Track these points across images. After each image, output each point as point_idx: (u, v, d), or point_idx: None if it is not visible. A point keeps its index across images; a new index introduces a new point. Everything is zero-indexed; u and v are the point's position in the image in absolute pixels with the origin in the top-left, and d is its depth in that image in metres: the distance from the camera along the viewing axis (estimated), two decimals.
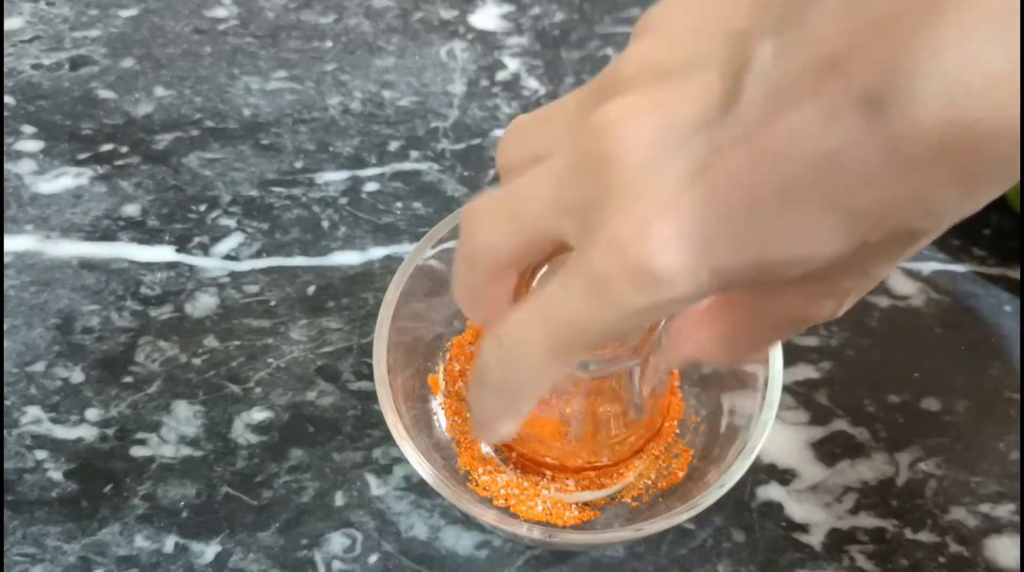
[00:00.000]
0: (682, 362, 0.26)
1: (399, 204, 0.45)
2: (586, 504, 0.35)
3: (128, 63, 0.50)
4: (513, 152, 0.24)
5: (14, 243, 0.44)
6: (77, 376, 0.40)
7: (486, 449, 0.36)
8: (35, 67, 0.50)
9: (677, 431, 0.37)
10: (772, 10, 0.18)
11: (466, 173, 0.46)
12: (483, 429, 0.25)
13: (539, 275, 0.28)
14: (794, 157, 0.17)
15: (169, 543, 0.36)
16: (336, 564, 0.36)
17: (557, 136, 0.22)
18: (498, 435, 0.26)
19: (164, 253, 0.43)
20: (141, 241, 0.44)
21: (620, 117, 0.19)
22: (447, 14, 0.52)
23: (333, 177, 0.46)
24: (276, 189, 0.45)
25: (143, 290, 0.42)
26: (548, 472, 0.35)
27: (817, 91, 0.16)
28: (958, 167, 0.16)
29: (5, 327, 0.41)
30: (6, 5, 0.52)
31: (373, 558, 0.36)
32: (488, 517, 0.31)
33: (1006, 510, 0.37)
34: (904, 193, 0.17)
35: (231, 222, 0.44)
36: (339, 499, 0.37)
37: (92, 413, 0.39)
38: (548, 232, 0.21)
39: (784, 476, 0.38)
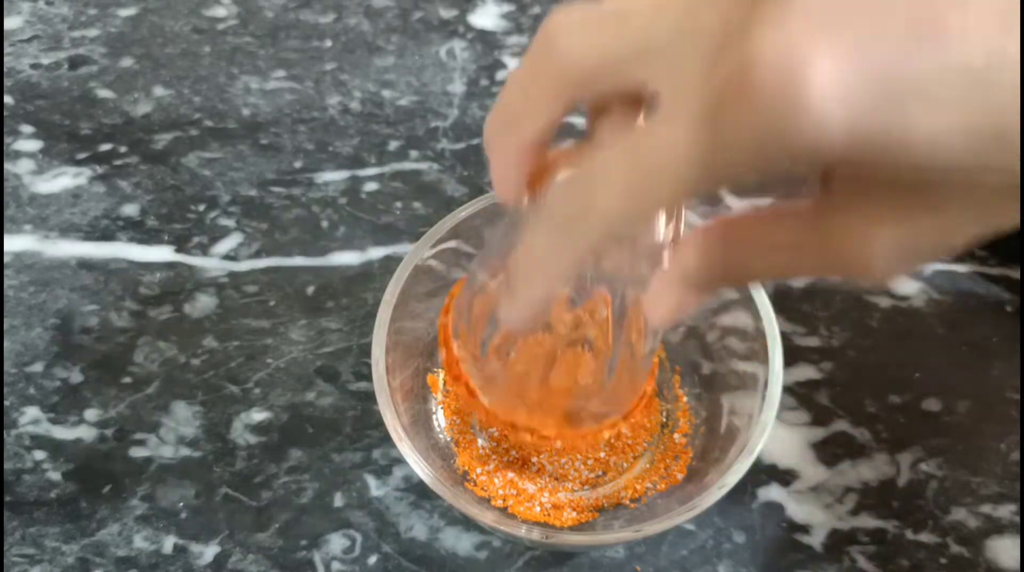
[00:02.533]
0: (692, 270, 0.23)
1: (398, 204, 0.45)
2: (585, 505, 0.35)
3: (127, 63, 0.50)
4: (587, 49, 0.21)
5: (13, 243, 0.44)
6: (76, 376, 0.40)
7: (482, 442, 0.36)
8: (34, 67, 0.50)
9: (662, 418, 0.37)
10: None
11: (466, 173, 0.46)
12: (518, 286, 0.23)
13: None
14: (966, 44, 0.16)
15: (168, 544, 0.36)
16: (335, 565, 0.36)
17: (667, 45, 0.19)
18: (526, 307, 0.23)
19: (163, 253, 0.43)
20: (140, 241, 0.44)
21: (779, 38, 0.17)
22: (447, 13, 0.51)
23: (332, 177, 0.46)
24: (275, 189, 0.45)
25: (142, 290, 0.42)
26: (531, 448, 0.34)
27: (997, 10, 0.16)
28: None
29: (4, 327, 0.41)
30: (5, 5, 0.52)
31: (372, 559, 0.36)
32: (486, 518, 0.31)
33: (1007, 511, 0.37)
34: None
35: (230, 222, 0.44)
36: (338, 500, 0.37)
37: (91, 413, 0.39)
38: (653, 48, 0.19)
39: (785, 477, 0.37)
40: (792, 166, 0.18)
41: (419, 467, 0.31)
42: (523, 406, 0.33)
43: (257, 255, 0.43)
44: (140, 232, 0.44)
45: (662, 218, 0.27)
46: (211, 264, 0.43)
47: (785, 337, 0.39)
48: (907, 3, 0.17)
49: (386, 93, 0.49)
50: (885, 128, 0.17)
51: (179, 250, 0.43)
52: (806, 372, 0.40)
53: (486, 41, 0.50)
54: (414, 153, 0.46)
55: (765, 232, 0.22)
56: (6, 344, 0.41)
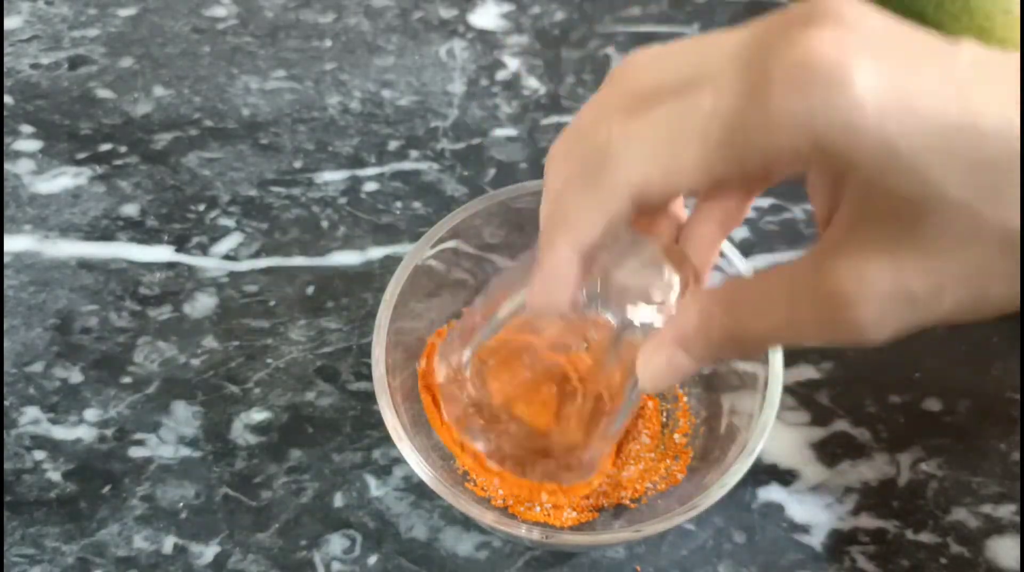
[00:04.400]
0: (688, 334, 0.24)
1: (398, 204, 0.45)
2: (585, 505, 0.35)
3: (127, 63, 0.50)
4: (652, 75, 0.22)
5: (12, 243, 0.44)
6: (76, 376, 0.40)
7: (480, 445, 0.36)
8: (34, 67, 0.50)
9: (663, 422, 0.37)
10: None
11: (466, 173, 0.46)
12: (548, 245, 0.23)
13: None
14: (985, 111, 0.18)
15: (168, 544, 0.36)
16: (335, 565, 0.36)
17: (720, 62, 0.20)
18: (559, 265, 0.23)
19: (163, 253, 0.43)
20: (140, 241, 0.44)
21: (834, 40, 0.19)
22: (447, 13, 0.51)
23: (332, 177, 0.46)
24: (275, 189, 0.45)
25: (142, 290, 0.42)
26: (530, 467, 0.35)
27: (1011, 94, 0.18)
28: None
29: (4, 327, 0.41)
30: (5, 5, 0.52)
31: (372, 559, 0.36)
32: (486, 518, 0.31)
33: (1007, 511, 0.37)
34: None
35: (230, 222, 0.44)
36: (338, 500, 0.37)
37: (91, 413, 0.39)
38: (706, 74, 0.20)
39: (785, 477, 0.37)
40: (818, 158, 0.19)
41: (419, 467, 0.31)
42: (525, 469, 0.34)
43: (257, 255, 0.43)
44: (140, 232, 0.44)
45: (676, 279, 0.27)
46: (211, 264, 0.43)
47: None
48: (940, 61, 0.19)
49: (386, 93, 0.49)
50: (907, 150, 0.18)
51: (179, 250, 0.43)
52: (806, 372, 0.40)
53: (486, 41, 0.50)
54: (414, 153, 0.46)
55: (763, 285, 0.23)
56: (6, 344, 0.41)
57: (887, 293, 0.20)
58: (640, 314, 0.28)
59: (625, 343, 0.29)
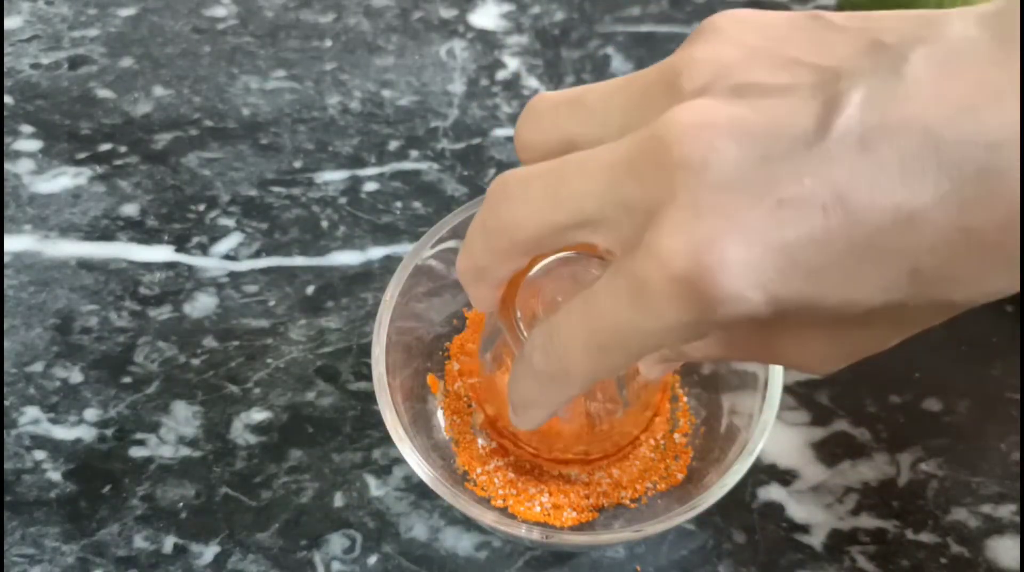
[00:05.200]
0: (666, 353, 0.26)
1: (399, 204, 0.45)
2: (585, 505, 0.35)
3: (127, 62, 0.50)
4: (540, 133, 0.23)
5: (12, 243, 0.44)
6: (76, 376, 0.40)
7: (482, 442, 0.36)
8: (34, 66, 0.50)
9: (668, 429, 0.37)
10: (865, 59, 0.18)
11: (466, 173, 0.46)
12: (518, 412, 0.25)
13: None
14: (872, 211, 0.17)
15: (168, 544, 0.36)
16: (335, 565, 0.36)
17: (605, 123, 0.21)
18: (531, 423, 0.25)
19: (163, 253, 0.43)
20: (140, 241, 0.44)
21: (701, 122, 0.18)
22: (447, 13, 0.51)
23: (332, 177, 0.46)
24: (275, 189, 0.45)
25: (142, 290, 0.42)
26: (545, 466, 0.35)
27: (904, 158, 0.17)
28: (1014, 255, 0.17)
29: (4, 327, 0.41)
30: (5, 5, 0.52)
31: (372, 559, 0.36)
32: (486, 518, 0.31)
33: (1007, 511, 0.37)
34: (966, 269, 0.17)
35: (230, 222, 0.44)
36: (338, 500, 0.37)
37: (91, 413, 0.39)
38: (587, 219, 0.20)
39: (785, 477, 0.37)
40: (724, 330, 0.20)
41: (419, 467, 0.31)
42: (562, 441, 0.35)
43: (257, 255, 0.43)
44: (140, 232, 0.44)
45: None
46: (211, 264, 0.43)
47: None
48: (808, 170, 0.17)
49: (386, 93, 0.49)
50: (802, 300, 0.18)
51: (179, 250, 0.43)
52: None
53: (486, 41, 0.50)
54: (414, 153, 0.46)
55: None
56: (6, 344, 0.41)
57: (829, 354, 0.22)
58: None
59: None
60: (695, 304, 0.18)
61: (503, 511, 0.35)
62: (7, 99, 0.48)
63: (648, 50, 0.50)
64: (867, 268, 0.18)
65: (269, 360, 0.40)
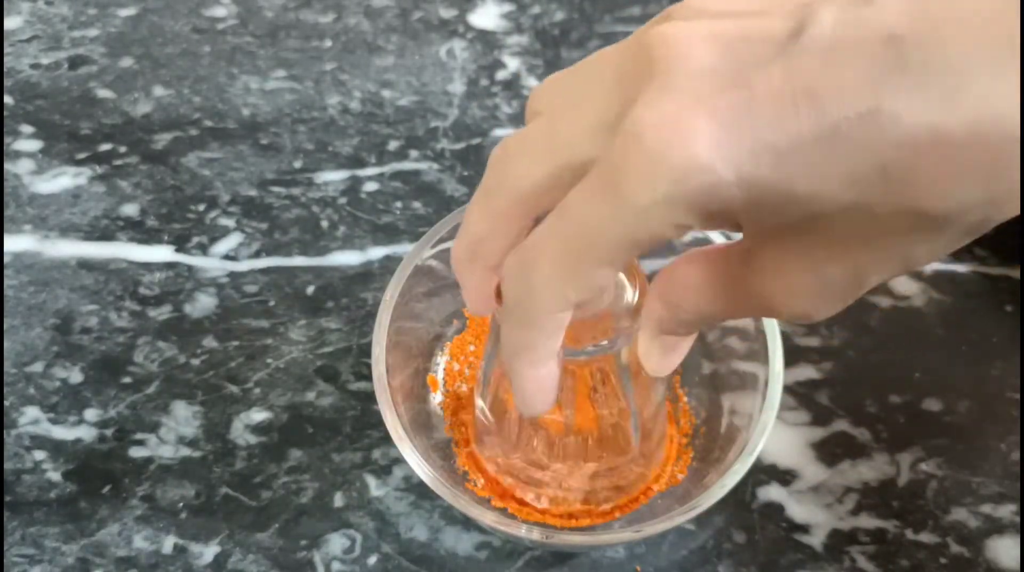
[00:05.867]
0: (661, 318, 0.25)
1: (398, 204, 0.45)
2: (585, 505, 0.35)
3: (127, 63, 0.50)
4: (546, 99, 0.23)
5: (12, 243, 0.44)
6: (76, 376, 0.40)
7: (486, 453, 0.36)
8: (34, 67, 0.50)
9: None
10: None
11: (466, 173, 0.46)
12: (514, 375, 0.25)
13: None
14: (839, 104, 0.17)
15: (168, 544, 0.36)
16: (335, 565, 0.36)
17: (600, 79, 0.21)
18: (533, 401, 0.25)
19: (163, 253, 0.43)
20: (140, 241, 0.44)
21: (681, 30, 0.19)
22: (447, 13, 0.51)
23: (332, 177, 0.46)
24: (275, 189, 0.45)
25: (142, 290, 0.42)
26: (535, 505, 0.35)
27: (872, 59, 0.17)
28: (983, 163, 0.17)
29: (4, 327, 0.41)
30: (5, 5, 0.52)
31: (372, 559, 0.36)
32: (486, 518, 0.31)
33: (1007, 511, 0.37)
34: (933, 169, 0.17)
35: (230, 222, 0.44)
36: (338, 500, 0.37)
37: (91, 413, 0.39)
38: (584, 157, 0.21)
39: (785, 477, 0.37)
40: (702, 219, 0.20)
41: (419, 467, 0.31)
42: (575, 496, 0.34)
43: (257, 255, 0.43)
44: (140, 232, 0.44)
45: (624, 279, 0.29)
46: (211, 264, 0.43)
47: (785, 337, 0.39)
48: (780, 69, 0.18)
49: (386, 93, 0.49)
50: (771, 186, 0.18)
51: (179, 250, 0.43)
52: (806, 372, 0.40)
53: (486, 41, 0.50)
54: (414, 153, 0.46)
55: (701, 273, 0.23)
56: (6, 344, 0.41)
57: (811, 287, 0.21)
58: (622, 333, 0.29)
59: (627, 362, 0.30)
60: (665, 174, 0.18)
61: (503, 511, 0.35)
62: (7, 99, 0.48)
63: None
64: (835, 158, 0.18)
65: (269, 360, 0.40)
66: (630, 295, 0.29)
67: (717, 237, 0.34)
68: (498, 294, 0.26)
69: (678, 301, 0.24)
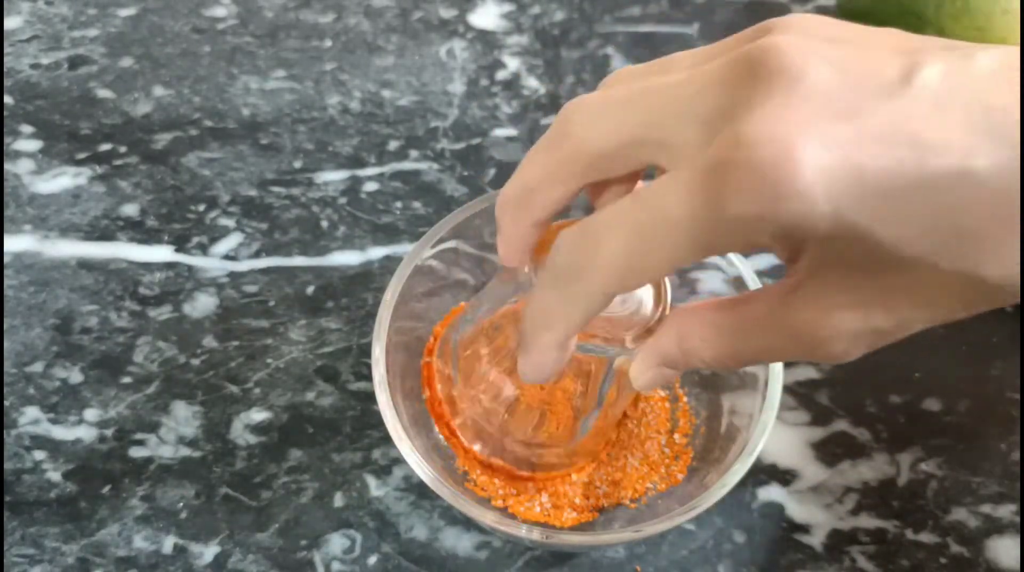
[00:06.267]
0: (669, 356, 0.25)
1: (398, 204, 0.45)
2: (585, 505, 0.35)
3: (127, 63, 0.50)
4: (631, 76, 0.23)
5: (12, 243, 0.44)
6: (76, 376, 0.40)
7: (478, 448, 0.36)
8: (34, 67, 0.50)
9: (668, 429, 0.37)
10: (940, 48, 0.19)
11: (466, 173, 0.46)
12: (529, 342, 0.24)
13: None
14: (942, 158, 0.18)
15: (168, 544, 0.36)
16: (335, 565, 0.36)
17: (701, 72, 0.21)
18: (539, 368, 0.25)
19: (163, 253, 0.43)
20: (140, 241, 0.44)
21: (800, 43, 0.19)
22: (447, 13, 0.51)
23: (332, 177, 0.46)
24: (275, 189, 0.45)
25: (142, 290, 0.42)
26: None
27: (973, 121, 0.18)
28: None
29: (4, 327, 0.41)
30: (5, 5, 0.52)
31: (372, 559, 0.36)
32: (486, 518, 0.31)
33: (1007, 511, 0.37)
34: (995, 231, 0.18)
35: (230, 222, 0.44)
36: (338, 500, 0.37)
37: (91, 414, 0.39)
38: (662, 136, 0.20)
39: (785, 477, 0.37)
40: (777, 240, 0.20)
41: (419, 467, 0.31)
42: (499, 451, 0.34)
43: (257, 255, 0.43)
44: (140, 232, 0.44)
45: (650, 293, 0.29)
46: (211, 264, 0.43)
47: None
48: (890, 110, 0.18)
49: (386, 93, 0.49)
50: (858, 224, 0.19)
51: (179, 250, 0.43)
52: (806, 372, 0.40)
53: (486, 41, 0.50)
54: (414, 153, 0.46)
55: (742, 314, 0.23)
56: (6, 344, 0.41)
57: (855, 332, 0.21)
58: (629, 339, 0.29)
59: (616, 369, 0.31)
60: (765, 192, 0.18)
61: (503, 511, 0.35)
62: (7, 99, 0.48)
63: (648, 50, 0.50)
64: (923, 208, 0.18)
65: (269, 360, 0.40)
66: (649, 312, 0.28)
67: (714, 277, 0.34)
68: (535, 253, 0.26)
69: (694, 349, 0.24)
